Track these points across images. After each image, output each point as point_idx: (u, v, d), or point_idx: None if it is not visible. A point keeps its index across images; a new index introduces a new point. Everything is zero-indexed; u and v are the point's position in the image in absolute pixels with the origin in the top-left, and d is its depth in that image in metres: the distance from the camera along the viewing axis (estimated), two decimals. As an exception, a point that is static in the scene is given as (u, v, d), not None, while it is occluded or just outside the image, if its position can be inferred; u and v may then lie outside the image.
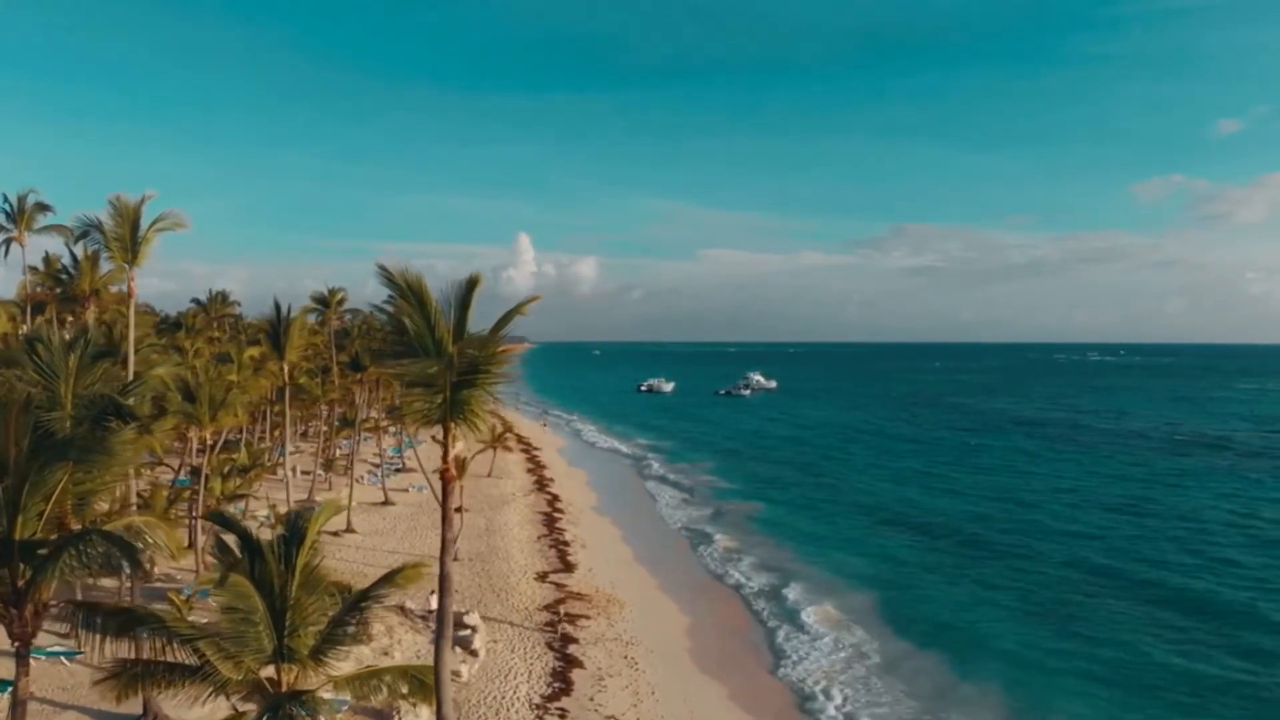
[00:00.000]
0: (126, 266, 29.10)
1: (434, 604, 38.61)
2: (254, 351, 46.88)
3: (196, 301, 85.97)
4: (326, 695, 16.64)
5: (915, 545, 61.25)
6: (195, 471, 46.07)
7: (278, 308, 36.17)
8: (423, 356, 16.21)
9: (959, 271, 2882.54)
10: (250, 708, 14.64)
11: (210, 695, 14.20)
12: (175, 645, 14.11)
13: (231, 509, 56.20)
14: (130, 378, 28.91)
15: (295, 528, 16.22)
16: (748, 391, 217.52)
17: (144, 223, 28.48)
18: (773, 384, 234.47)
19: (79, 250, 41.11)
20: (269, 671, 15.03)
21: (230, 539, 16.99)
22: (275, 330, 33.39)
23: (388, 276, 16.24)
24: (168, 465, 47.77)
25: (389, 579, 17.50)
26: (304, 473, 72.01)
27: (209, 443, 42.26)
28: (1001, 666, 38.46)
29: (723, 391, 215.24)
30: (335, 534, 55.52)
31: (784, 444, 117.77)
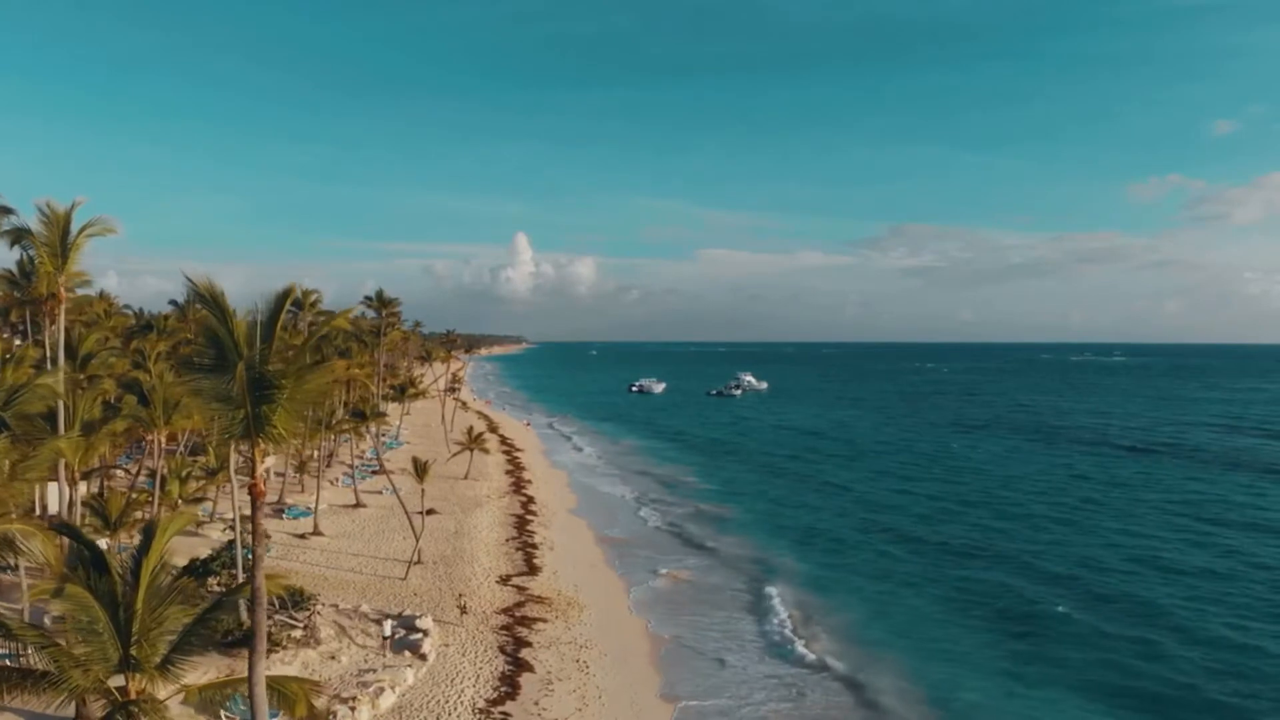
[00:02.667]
0: (56, 272, 29.01)
1: (387, 630, 37.74)
2: (215, 354, 46.84)
3: (174, 303, 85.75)
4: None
5: (880, 550, 60.79)
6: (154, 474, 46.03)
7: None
8: (227, 370, 16.08)
9: (957, 271, 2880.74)
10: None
11: (64, 701, 14.10)
12: (31, 652, 14.00)
13: (199, 511, 56.31)
14: (61, 383, 28.84)
15: (145, 538, 16.02)
16: (738, 392, 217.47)
17: (74, 228, 28.47)
18: (764, 385, 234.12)
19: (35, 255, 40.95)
20: (120, 680, 14.91)
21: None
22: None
23: (193, 286, 16.11)
24: (126, 470, 47.75)
25: (241, 589, 17.32)
26: (278, 474, 71.90)
27: (163, 446, 42.12)
28: (961, 678, 38.03)
29: (713, 392, 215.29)
30: (301, 537, 55.48)
31: (765, 446, 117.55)
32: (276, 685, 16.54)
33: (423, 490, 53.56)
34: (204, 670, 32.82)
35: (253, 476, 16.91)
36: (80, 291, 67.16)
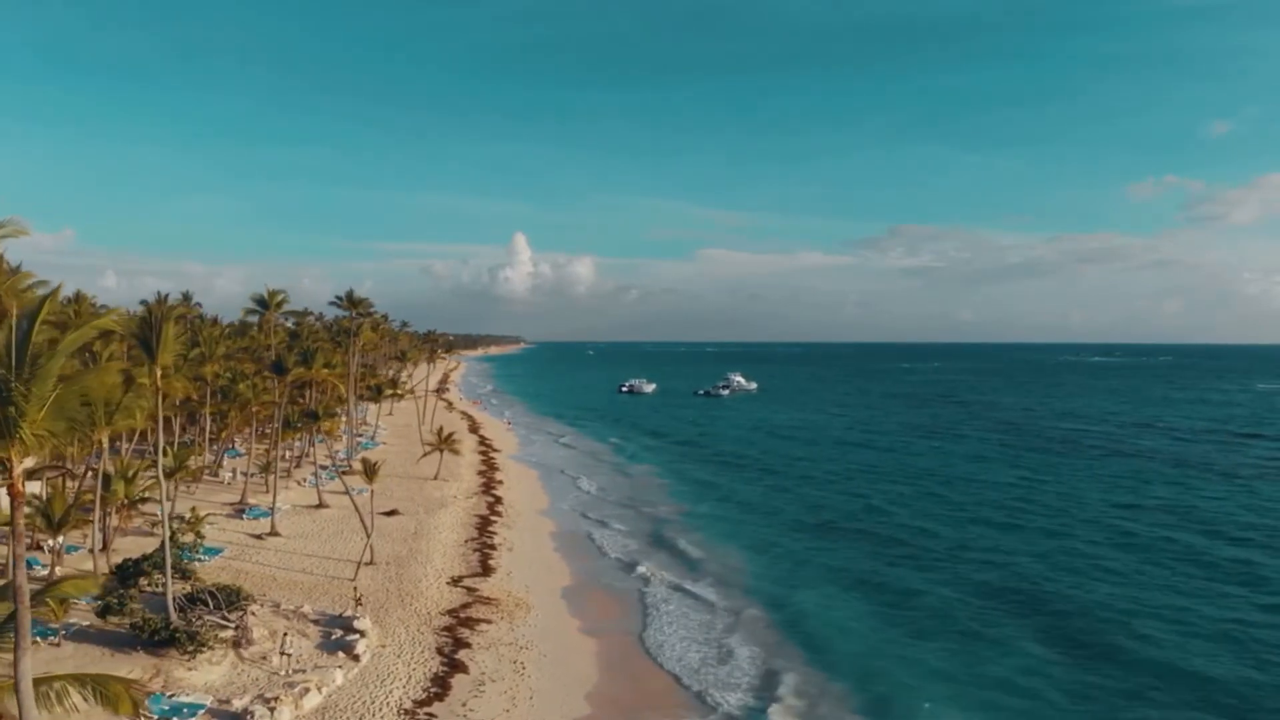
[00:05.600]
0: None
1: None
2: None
3: (145, 304, 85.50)
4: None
5: (836, 553, 60.14)
6: (105, 475, 46.01)
7: (150, 311, 35.86)
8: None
9: (956, 272, 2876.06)
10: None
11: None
12: None
13: (157, 512, 56.20)
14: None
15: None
16: (726, 392, 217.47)
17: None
18: (753, 385, 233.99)
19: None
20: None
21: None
22: (146, 334, 33.10)
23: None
24: (70, 470, 47.68)
25: (46, 590, 17.25)
26: (243, 474, 71.90)
27: (105, 446, 42.05)
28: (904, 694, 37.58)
29: (701, 392, 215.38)
30: (258, 537, 55.38)
31: (742, 446, 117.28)
32: (97, 684, 16.47)
33: (372, 491, 53.44)
34: (129, 669, 32.87)
35: (11, 478, 16.83)
36: (43, 293, 67.29)
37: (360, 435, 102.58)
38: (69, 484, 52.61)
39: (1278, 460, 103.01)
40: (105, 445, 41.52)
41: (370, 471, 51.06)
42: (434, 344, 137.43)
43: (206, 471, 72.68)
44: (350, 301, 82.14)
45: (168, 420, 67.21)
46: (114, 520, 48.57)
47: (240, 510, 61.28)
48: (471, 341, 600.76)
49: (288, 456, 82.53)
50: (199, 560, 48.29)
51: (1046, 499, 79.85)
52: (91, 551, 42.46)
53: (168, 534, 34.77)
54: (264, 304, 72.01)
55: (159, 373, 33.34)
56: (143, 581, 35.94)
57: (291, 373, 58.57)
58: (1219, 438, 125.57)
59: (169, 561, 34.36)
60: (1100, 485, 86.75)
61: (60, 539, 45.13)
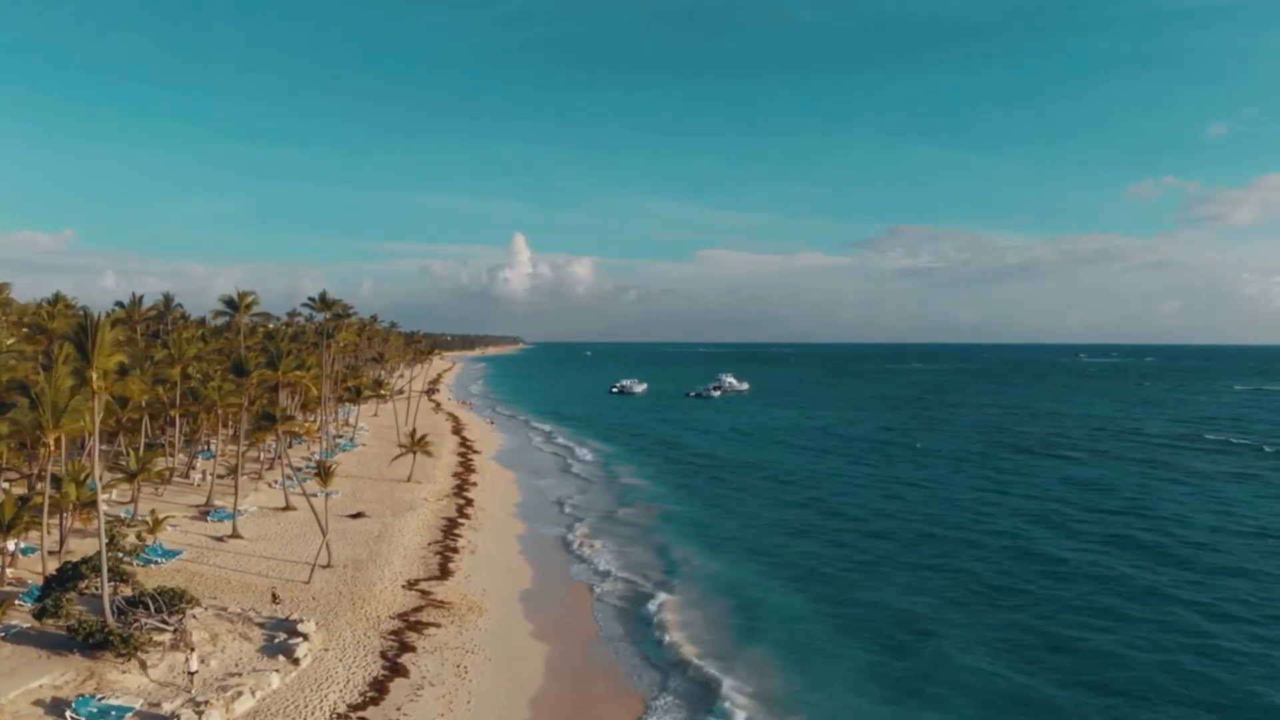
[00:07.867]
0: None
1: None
2: (121, 356, 46.64)
3: (120, 304, 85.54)
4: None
5: (802, 559, 59.71)
6: (56, 478, 46.02)
7: (86, 314, 35.81)
8: None
9: (954, 272, 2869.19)
10: None
11: None
12: None
13: (121, 514, 56.14)
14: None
15: None
16: (717, 393, 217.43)
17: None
18: (745, 386, 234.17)
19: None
20: None
21: None
22: (80, 337, 33.01)
23: None
24: (19, 471, 47.60)
25: None
26: (212, 475, 71.91)
27: (53, 449, 41.97)
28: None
29: (692, 394, 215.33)
30: (220, 539, 55.36)
31: (718, 450, 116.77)
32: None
33: (328, 494, 53.42)
34: (63, 670, 32.89)
35: None
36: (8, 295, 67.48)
37: (340, 437, 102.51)
38: (36, 486, 52.59)
39: (1232, 464, 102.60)
40: (54, 447, 41.47)
41: (325, 474, 51.00)
42: (416, 345, 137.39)
43: (177, 473, 72.64)
44: (324, 303, 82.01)
45: (135, 422, 67.19)
46: (70, 522, 48.56)
47: (205, 512, 61.21)
48: (469, 342, 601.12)
49: (261, 459, 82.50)
50: (155, 563, 48.33)
51: (970, 505, 78.44)
52: (43, 554, 42.39)
53: (104, 537, 34.75)
54: (233, 305, 71.94)
55: (94, 376, 33.31)
56: (84, 585, 35.91)
57: (254, 374, 58.49)
58: (1187, 441, 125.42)
59: (105, 564, 34.33)
60: (1037, 491, 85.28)
61: (13, 541, 45.17)
